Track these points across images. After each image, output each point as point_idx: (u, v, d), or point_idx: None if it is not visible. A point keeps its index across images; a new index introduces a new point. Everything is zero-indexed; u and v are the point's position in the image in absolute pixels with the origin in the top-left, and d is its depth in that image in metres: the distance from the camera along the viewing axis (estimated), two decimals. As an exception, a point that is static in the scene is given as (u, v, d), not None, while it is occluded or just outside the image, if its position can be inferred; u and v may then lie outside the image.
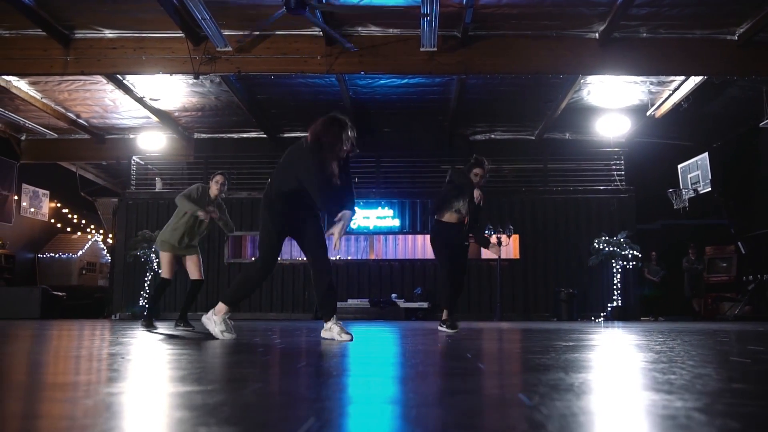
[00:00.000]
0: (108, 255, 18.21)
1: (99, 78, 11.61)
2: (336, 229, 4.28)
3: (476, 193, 5.96)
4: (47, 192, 17.05)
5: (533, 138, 15.21)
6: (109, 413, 1.36)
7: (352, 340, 4.23)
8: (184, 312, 6.50)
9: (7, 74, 11.12)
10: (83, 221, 18.29)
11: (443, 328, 6.07)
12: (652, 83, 12.04)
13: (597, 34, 10.15)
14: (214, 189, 6.43)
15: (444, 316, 6.19)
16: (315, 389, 1.75)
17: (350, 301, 13.04)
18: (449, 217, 6.13)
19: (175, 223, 6.39)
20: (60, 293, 13.33)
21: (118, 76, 11.43)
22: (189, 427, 1.18)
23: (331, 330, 4.35)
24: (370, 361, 2.76)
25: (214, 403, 1.48)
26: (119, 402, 1.52)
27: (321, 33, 10.05)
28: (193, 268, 6.44)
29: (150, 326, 6.29)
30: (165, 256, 6.35)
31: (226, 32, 9.95)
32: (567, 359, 2.70)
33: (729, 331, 6.38)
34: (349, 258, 14.32)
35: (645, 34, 10.18)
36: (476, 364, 2.52)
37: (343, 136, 4.34)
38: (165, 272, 6.37)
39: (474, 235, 6.46)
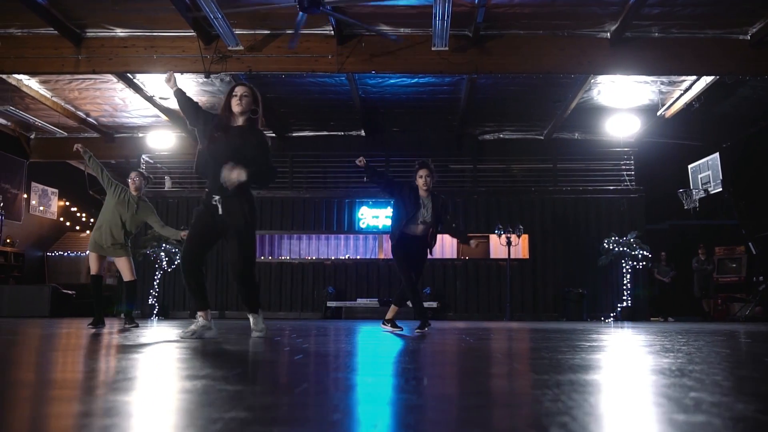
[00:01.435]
0: (116, 253, 18.23)
1: (109, 77, 11.63)
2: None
3: (421, 191, 5.83)
4: (56, 190, 17.08)
5: (542, 138, 15.19)
6: (177, 412, 1.36)
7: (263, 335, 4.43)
8: (129, 312, 6.60)
9: (20, 73, 11.14)
10: (92, 220, 18.31)
11: (387, 328, 5.83)
12: (662, 83, 12.00)
13: (608, 34, 10.12)
14: (131, 187, 6.61)
15: (389, 315, 5.95)
16: (366, 389, 1.75)
17: (360, 301, 13.05)
18: (413, 229, 5.82)
19: (100, 220, 6.54)
20: (69, 291, 13.34)
21: (129, 74, 11.45)
22: (259, 428, 1.18)
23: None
24: (404, 361, 2.75)
25: (268, 403, 1.48)
26: (186, 400, 1.51)
27: (332, 32, 10.06)
28: (123, 269, 6.50)
29: (98, 324, 6.36)
30: (91, 256, 6.52)
31: (237, 31, 9.95)
32: (599, 360, 2.69)
33: (746, 332, 6.35)
34: (358, 257, 14.31)
35: (657, 34, 10.14)
36: (512, 365, 2.51)
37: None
38: (92, 270, 6.54)
39: (454, 235, 6.39)
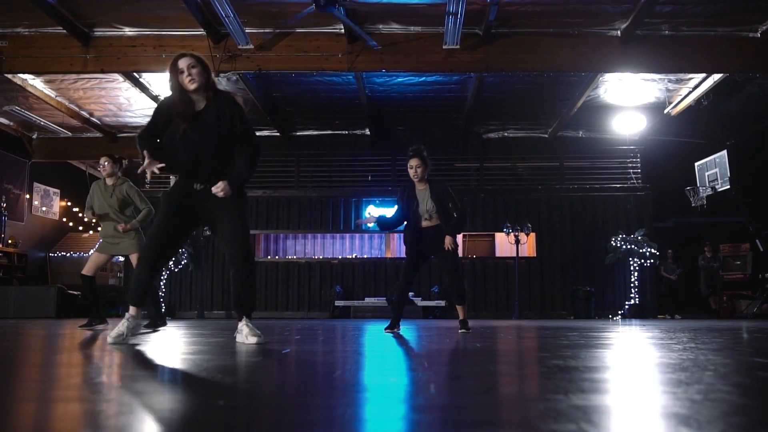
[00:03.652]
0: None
1: (115, 76, 11.58)
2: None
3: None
4: (57, 190, 17.00)
5: (546, 136, 15.22)
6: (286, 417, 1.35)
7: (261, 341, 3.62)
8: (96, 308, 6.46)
9: (28, 72, 11.07)
10: (94, 220, 18.23)
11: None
12: (669, 81, 12.03)
13: (619, 32, 10.15)
14: (102, 174, 6.36)
15: (461, 316, 5.57)
16: (452, 391, 1.75)
17: (367, 300, 13.05)
18: (421, 224, 5.51)
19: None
20: (75, 292, 13.28)
21: (135, 74, 11.41)
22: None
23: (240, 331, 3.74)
24: (471, 361, 2.75)
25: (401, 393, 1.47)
26: (316, 408, 1.51)
27: (342, 31, 10.05)
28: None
29: (93, 324, 6.30)
30: (92, 256, 6.41)
31: (247, 30, 9.92)
32: (644, 355, 2.69)
33: (764, 329, 6.38)
34: (365, 257, 14.31)
35: (667, 32, 10.18)
36: (579, 363, 2.51)
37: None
38: (86, 269, 6.36)
39: (451, 233, 5.42)
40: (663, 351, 3.08)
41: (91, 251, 16.84)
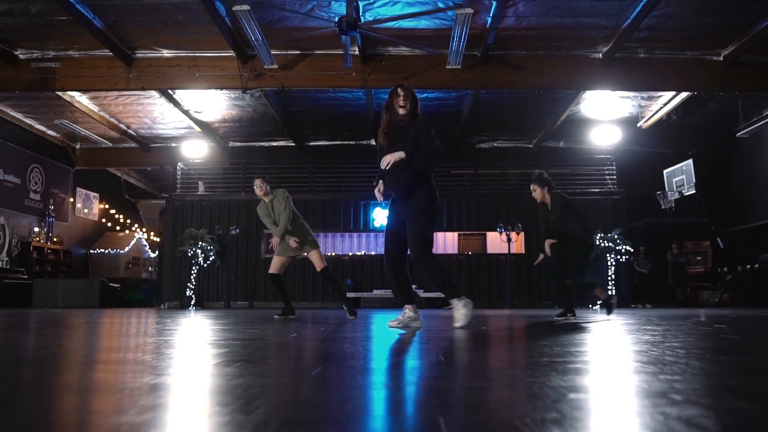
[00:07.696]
0: (149, 251, 18.15)
1: (152, 93, 11.56)
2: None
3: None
4: (97, 194, 16.97)
5: (531, 146, 15.26)
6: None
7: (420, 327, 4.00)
8: (344, 298, 6.36)
9: (77, 90, 11.06)
10: (128, 221, 18.23)
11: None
12: (642, 97, 12.11)
13: (600, 55, 10.21)
14: (258, 194, 6.25)
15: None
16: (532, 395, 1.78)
17: (375, 292, 13.07)
18: None
19: None
20: (115, 285, 13.26)
21: (170, 91, 11.40)
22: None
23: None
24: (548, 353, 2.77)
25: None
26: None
27: (357, 52, 10.07)
28: (314, 261, 6.23)
29: (288, 314, 6.11)
30: (274, 259, 6.27)
31: (272, 51, 9.93)
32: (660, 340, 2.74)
33: (731, 316, 6.43)
34: (373, 253, 14.33)
35: (643, 55, 10.25)
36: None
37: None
38: (271, 269, 6.27)
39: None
40: (648, 334, 3.12)
41: (125, 247, 16.85)
